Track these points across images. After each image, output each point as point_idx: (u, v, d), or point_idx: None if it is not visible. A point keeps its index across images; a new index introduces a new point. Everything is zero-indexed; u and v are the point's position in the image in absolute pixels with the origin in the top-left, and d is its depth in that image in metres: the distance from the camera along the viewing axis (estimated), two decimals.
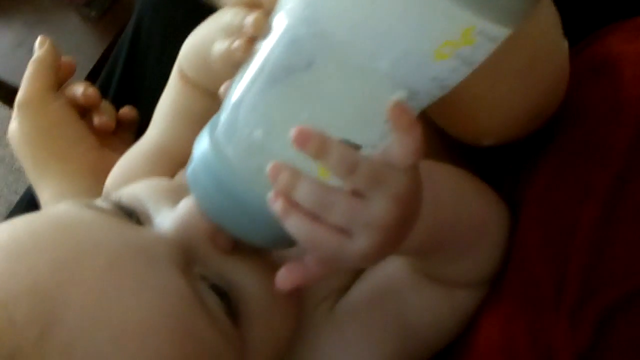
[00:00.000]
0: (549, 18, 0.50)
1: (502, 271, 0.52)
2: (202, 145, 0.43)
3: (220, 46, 0.47)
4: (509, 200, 0.54)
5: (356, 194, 0.39)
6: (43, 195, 0.68)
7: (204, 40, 0.55)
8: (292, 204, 0.39)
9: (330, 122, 0.39)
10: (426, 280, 0.52)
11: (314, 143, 0.37)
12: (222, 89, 0.44)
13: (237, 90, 0.41)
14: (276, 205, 0.39)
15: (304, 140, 0.37)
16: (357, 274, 0.55)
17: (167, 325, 0.40)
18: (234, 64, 0.43)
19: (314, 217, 0.39)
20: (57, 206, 0.46)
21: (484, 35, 0.36)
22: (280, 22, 0.40)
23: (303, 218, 0.39)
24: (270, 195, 0.39)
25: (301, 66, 0.39)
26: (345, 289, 0.54)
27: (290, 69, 0.39)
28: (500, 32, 0.36)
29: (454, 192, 0.50)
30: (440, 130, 0.56)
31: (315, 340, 0.51)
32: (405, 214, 0.40)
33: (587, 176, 0.49)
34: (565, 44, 0.52)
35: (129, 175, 0.59)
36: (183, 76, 0.60)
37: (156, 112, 0.64)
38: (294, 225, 0.39)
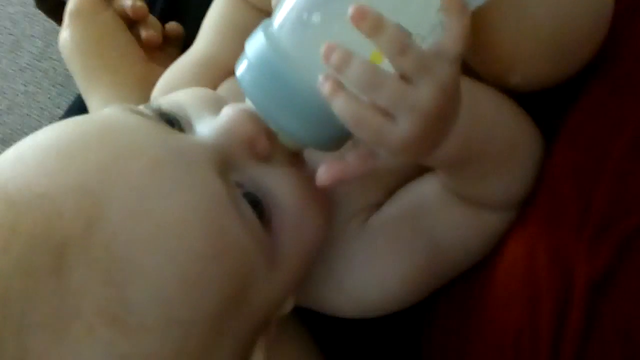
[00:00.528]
0: None
1: (531, 195, 0.53)
2: (255, 40, 0.44)
3: None
4: (547, 129, 0.54)
5: (404, 78, 0.40)
6: (92, 103, 0.70)
7: None
8: (341, 85, 0.40)
9: (386, 6, 0.40)
10: (457, 201, 0.54)
11: (369, 20, 0.38)
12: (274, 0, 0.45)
13: None
14: (325, 85, 0.40)
15: (360, 16, 0.38)
16: (390, 192, 0.56)
17: (202, 224, 0.42)
18: None
19: (361, 98, 0.41)
20: (104, 110, 0.48)
21: None
22: None
23: (350, 97, 0.40)
24: (322, 75, 0.41)
25: None
26: (377, 205, 0.56)
27: None
28: None
29: (492, 107, 0.51)
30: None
31: (346, 251, 0.53)
32: (447, 106, 0.41)
33: (622, 110, 0.50)
34: None
35: (175, 85, 0.60)
36: None
37: (203, 25, 0.65)
38: (341, 104, 0.40)
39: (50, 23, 1.69)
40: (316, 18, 0.42)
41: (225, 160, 0.46)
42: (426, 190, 0.55)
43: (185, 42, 0.77)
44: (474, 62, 0.55)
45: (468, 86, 0.44)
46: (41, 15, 1.63)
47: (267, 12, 0.57)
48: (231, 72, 0.57)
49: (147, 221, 0.41)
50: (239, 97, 0.54)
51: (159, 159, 0.43)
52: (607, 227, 0.48)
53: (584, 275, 0.47)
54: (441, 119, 0.42)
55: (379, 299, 0.54)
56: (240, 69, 0.45)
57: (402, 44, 0.39)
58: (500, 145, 0.51)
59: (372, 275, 0.53)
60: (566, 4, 0.51)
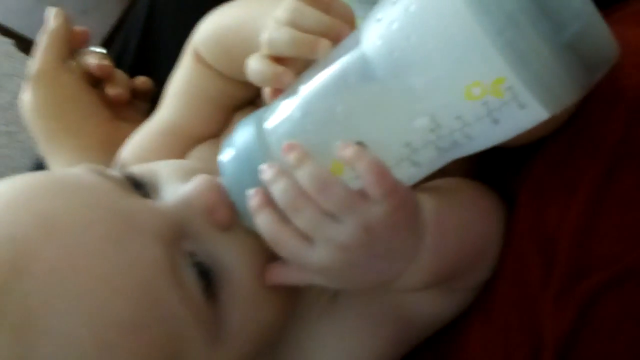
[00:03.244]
0: None
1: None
2: (245, 130, 0.46)
3: (262, 67, 0.47)
4: (507, 189, 0.54)
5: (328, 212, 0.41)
6: (54, 167, 0.68)
7: (228, 32, 0.56)
8: (267, 202, 0.42)
9: (358, 125, 0.42)
10: None
11: (296, 154, 0.41)
12: (266, 94, 0.47)
13: (294, 94, 0.44)
14: (253, 199, 0.43)
15: (290, 148, 0.42)
16: None
17: (130, 291, 0.41)
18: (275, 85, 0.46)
19: (283, 218, 0.42)
20: (68, 169, 0.48)
21: (514, 95, 0.38)
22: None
23: (271, 216, 0.42)
24: (251, 190, 0.43)
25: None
26: None
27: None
28: (529, 100, 0.38)
29: (461, 227, 0.49)
30: None
31: (316, 329, 0.52)
32: (377, 245, 0.42)
33: (576, 169, 0.50)
34: None
35: (141, 154, 0.60)
36: (198, 58, 0.61)
37: (168, 90, 0.64)
38: (262, 221, 0.43)
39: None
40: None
41: (180, 227, 0.45)
42: None
43: (155, 95, 0.75)
44: None
45: (435, 210, 0.45)
46: (22, 55, 1.62)
47: (233, 80, 0.59)
48: (199, 141, 0.60)
49: (70, 280, 0.40)
50: (208, 165, 0.54)
51: (100, 218, 0.42)
52: (570, 286, 0.47)
53: (552, 335, 0.47)
54: (368, 255, 0.42)
55: None
56: (225, 155, 0.46)
57: (323, 182, 0.41)
58: (471, 256, 0.50)
59: (343, 352, 0.52)
60: None
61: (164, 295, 0.42)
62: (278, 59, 0.48)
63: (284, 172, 0.42)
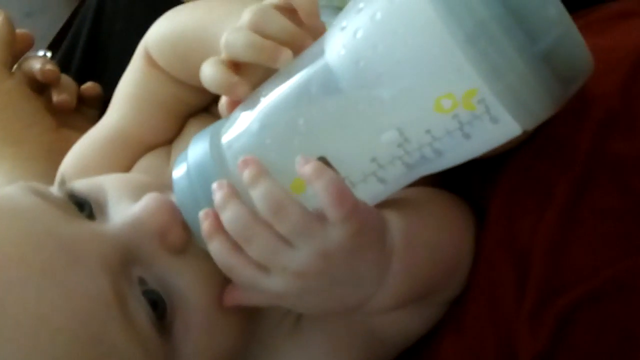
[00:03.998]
0: None
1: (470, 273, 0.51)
2: (199, 144, 0.44)
3: (215, 74, 0.45)
4: (476, 199, 0.53)
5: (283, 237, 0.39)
6: None
7: (185, 34, 0.54)
8: (219, 226, 0.40)
9: (321, 139, 0.40)
10: None
11: (251, 170, 0.39)
12: (221, 105, 0.45)
13: (253, 105, 0.42)
14: (204, 225, 0.41)
15: (245, 164, 0.39)
16: None
17: (74, 332, 0.38)
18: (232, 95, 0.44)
19: (237, 244, 0.40)
20: (4, 188, 0.45)
21: (486, 108, 0.36)
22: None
23: (224, 243, 0.40)
24: (202, 212, 0.41)
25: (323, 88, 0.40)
26: None
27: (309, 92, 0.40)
28: (502, 115, 0.37)
29: (431, 245, 0.48)
30: None
31: (282, 351, 0.51)
32: (337, 271, 0.40)
33: (548, 179, 0.49)
34: None
35: (85, 163, 0.57)
36: (150, 61, 0.58)
37: (116, 94, 0.61)
38: (214, 248, 0.41)
39: None
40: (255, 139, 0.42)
41: (128, 252, 0.43)
42: None
43: (104, 101, 0.73)
44: None
45: (406, 231, 0.43)
46: None
47: (186, 85, 0.57)
48: (148, 149, 0.58)
49: (3, 321, 0.37)
50: (156, 175, 0.53)
51: (39, 248, 0.40)
52: (545, 303, 0.46)
53: (528, 354, 0.46)
54: (326, 281, 0.41)
55: None
56: (178, 172, 0.44)
57: (276, 203, 0.39)
58: (442, 276, 0.49)
59: None
60: None
61: (110, 334, 0.39)
62: (236, 67, 0.45)
63: (234, 195, 0.40)
